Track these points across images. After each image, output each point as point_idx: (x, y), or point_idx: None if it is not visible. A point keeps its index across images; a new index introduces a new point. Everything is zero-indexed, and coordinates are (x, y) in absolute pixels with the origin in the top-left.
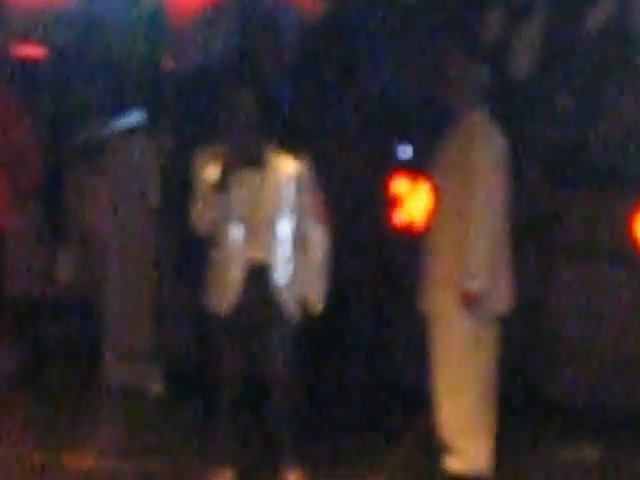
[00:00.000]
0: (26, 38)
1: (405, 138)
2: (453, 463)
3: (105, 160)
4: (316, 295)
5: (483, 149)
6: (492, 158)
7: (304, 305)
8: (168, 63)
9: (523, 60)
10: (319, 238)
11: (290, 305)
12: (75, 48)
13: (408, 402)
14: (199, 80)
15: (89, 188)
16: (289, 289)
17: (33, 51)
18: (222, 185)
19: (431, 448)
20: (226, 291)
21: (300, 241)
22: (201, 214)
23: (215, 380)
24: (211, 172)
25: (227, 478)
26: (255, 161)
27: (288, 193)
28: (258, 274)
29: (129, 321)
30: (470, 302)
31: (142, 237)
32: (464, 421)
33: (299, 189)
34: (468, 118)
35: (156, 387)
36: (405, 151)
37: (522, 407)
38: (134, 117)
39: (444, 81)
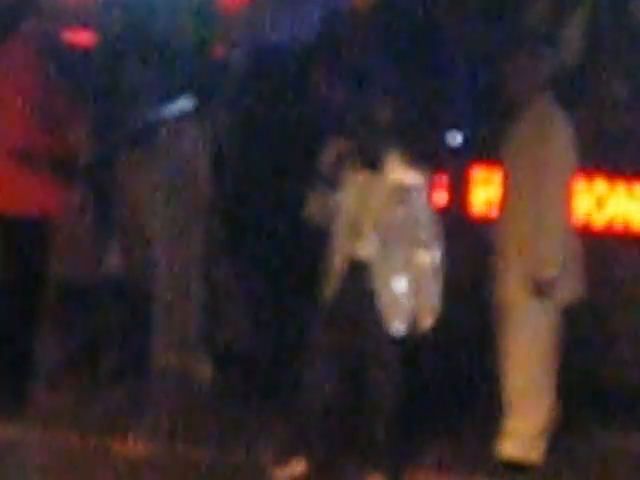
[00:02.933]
0: (75, 24)
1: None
2: (507, 449)
3: (155, 146)
4: (426, 310)
5: (557, 134)
6: (565, 143)
7: (415, 318)
8: (219, 48)
9: (573, 46)
10: (431, 256)
11: (395, 315)
12: (125, 34)
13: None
14: (255, 67)
15: (139, 175)
16: (395, 299)
17: (82, 37)
18: (332, 182)
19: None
20: (327, 281)
21: (412, 255)
22: (312, 207)
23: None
24: (327, 168)
25: (298, 467)
26: (371, 164)
27: (399, 203)
28: (359, 274)
29: (179, 307)
30: (543, 291)
31: (192, 224)
32: (528, 383)
33: (414, 201)
34: (536, 104)
35: (205, 373)
36: (455, 138)
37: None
38: (184, 103)
39: (510, 68)
